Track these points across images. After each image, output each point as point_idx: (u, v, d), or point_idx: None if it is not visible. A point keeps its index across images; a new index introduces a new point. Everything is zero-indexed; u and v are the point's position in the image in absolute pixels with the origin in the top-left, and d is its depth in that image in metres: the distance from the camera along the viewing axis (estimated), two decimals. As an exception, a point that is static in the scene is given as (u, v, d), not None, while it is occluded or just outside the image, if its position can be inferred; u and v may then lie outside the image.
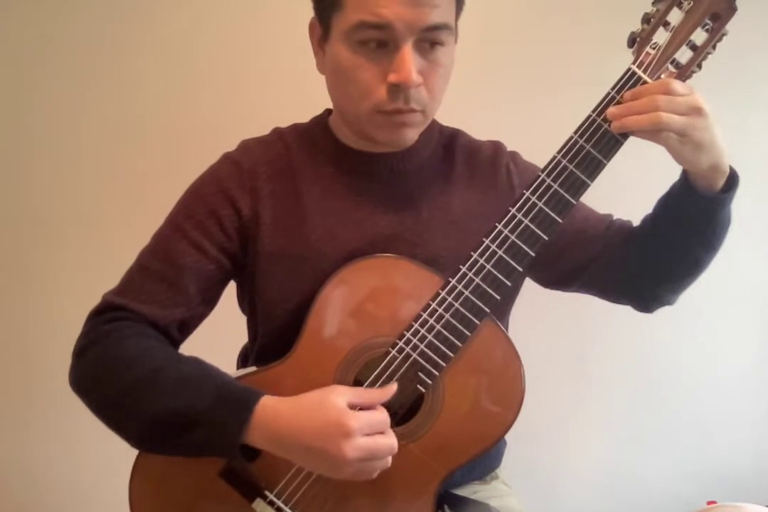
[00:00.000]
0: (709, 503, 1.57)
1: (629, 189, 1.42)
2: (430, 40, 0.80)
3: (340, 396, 0.76)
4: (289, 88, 1.47)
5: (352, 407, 0.76)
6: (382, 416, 0.77)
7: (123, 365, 0.81)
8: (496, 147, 1.01)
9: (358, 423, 0.73)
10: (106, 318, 0.86)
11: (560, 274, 1.01)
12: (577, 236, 0.97)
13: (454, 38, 0.85)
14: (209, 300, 0.92)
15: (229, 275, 0.93)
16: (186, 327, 0.91)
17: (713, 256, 0.92)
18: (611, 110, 0.78)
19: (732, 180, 0.85)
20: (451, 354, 0.81)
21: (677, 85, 0.76)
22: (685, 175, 0.86)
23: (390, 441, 0.76)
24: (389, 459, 0.77)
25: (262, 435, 0.76)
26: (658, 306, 1.01)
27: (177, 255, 0.88)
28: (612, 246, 0.97)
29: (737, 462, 1.77)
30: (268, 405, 0.76)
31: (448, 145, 0.98)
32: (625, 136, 0.79)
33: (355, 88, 0.82)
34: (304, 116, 0.99)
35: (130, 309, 0.86)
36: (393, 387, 0.80)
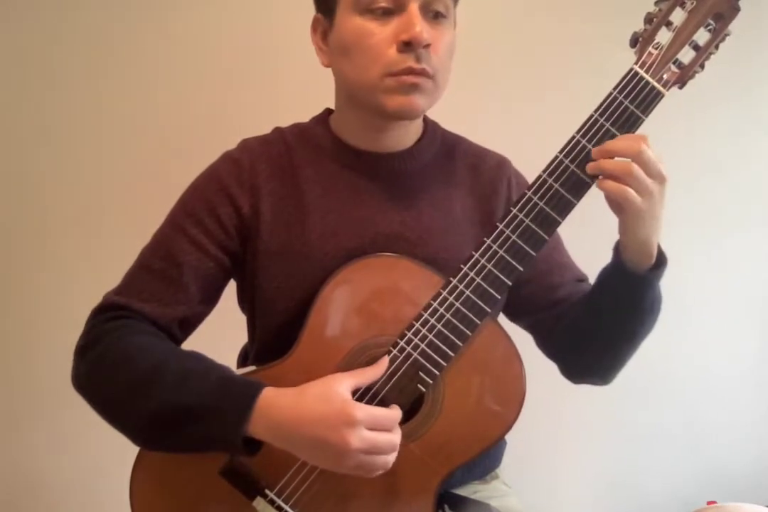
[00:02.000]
0: (709, 503, 1.57)
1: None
2: (433, 9, 0.83)
3: (342, 384, 0.76)
4: (289, 87, 1.47)
5: (356, 391, 0.77)
6: (391, 413, 0.77)
7: (124, 363, 0.81)
8: (502, 159, 1.01)
9: (362, 414, 0.73)
10: (108, 317, 0.86)
11: (513, 304, 0.99)
12: (542, 277, 0.97)
13: (453, 19, 0.87)
14: (210, 299, 0.93)
15: (229, 273, 0.93)
16: (187, 326, 0.91)
17: (632, 347, 0.91)
18: (594, 151, 0.78)
19: (660, 261, 0.84)
20: (451, 353, 0.81)
21: (650, 153, 0.76)
22: (616, 254, 0.86)
23: (390, 437, 0.75)
24: (390, 459, 0.76)
25: (264, 427, 0.75)
26: (583, 382, 0.99)
27: (177, 253, 0.88)
28: (567, 303, 0.96)
29: (737, 462, 1.77)
30: (270, 396, 0.76)
31: (452, 150, 0.99)
32: None
33: (364, 55, 0.83)
34: (305, 116, 0.99)
35: (131, 308, 0.86)
36: (385, 362, 0.80)
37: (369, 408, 0.75)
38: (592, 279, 0.93)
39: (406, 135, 0.94)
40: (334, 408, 0.74)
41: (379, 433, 0.75)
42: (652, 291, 0.86)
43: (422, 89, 0.84)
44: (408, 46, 0.81)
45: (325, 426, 0.73)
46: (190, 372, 0.79)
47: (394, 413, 0.78)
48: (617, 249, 0.86)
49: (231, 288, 0.97)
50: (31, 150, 1.49)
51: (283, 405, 0.76)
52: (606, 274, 0.88)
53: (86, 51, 1.46)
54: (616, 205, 0.79)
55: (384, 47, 0.82)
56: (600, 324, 0.89)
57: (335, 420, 0.73)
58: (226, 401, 0.76)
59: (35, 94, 1.47)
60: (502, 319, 0.95)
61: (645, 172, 0.76)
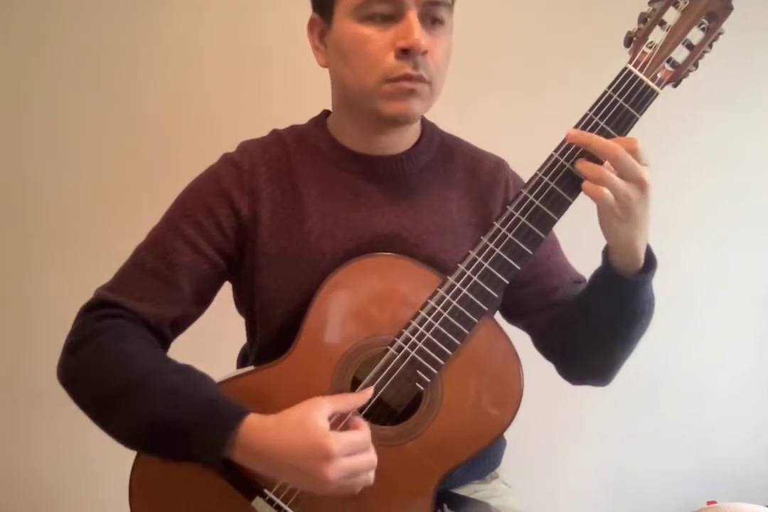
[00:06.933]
0: (709, 503, 1.57)
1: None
2: (431, 15, 0.83)
3: (320, 412, 0.76)
4: (287, 89, 1.47)
5: (332, 416, 0.77)
6: (364, 434, 0.77)
7: (114, 366, 0.81)
8: (500, 161, 1.02)
9: (339, 446, 0.73)
10: (99, 314, 0.85)
11: (511, 305, 0.99)
12: (541, 279, 0.97)
13: (451, 21, 0.87)
14: (203, 300, 0.92)
15: (223, 275, 0.93)
16: (178, 326, 0.91)
17: (626, 348, 0.91)
18: (575, 137, 0.78)
19: (649, 264, 0.84)
20: (449, 352, 0.81)
21: (628, 159, 0.75)
22: (605, 257, 0.85)
23: (369, 457, 0.76)
24: (371, 475, 0.77)
25: (243, 454, 0.76)
26: (581, 383, 0.99)
27: (172, 253, 0.88)
28: (564, 304, 0.96)
29: (737, 463, 1.77)
30: (251, 424, 0.76)
31: (450, 151, 0.99)
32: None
33: (362, 61, 0.84)
34: (302, 117, 0.99)
35: (123, 306, 0.86)
36: (369, 391, 0.81)
37: (344, 437, 0.75)
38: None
39: (404, 137, 0.94)
40: (311, 439, 0.74)
41: (356, 457, 0.75)
42: (643, 294, 0.85)
43: (419, 94, 0.85)
44: (406, 53, 0.82)
45: (303, 457, 0.74)
46: (177, 388, 0.79)
47: (366, 432, 0.78)
48: (606, 252, 0.85)
49: (227, 289, 0.97)
50: (31, 150, 1.49)
51: (263, 435, 0.76)
52: (596, 277, 0.88)
53: (83, 53, 1.46)
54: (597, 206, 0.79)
55: (382, 54, 0.83)
56: (592, 326, 0.89)
57: (313, 453, 0.73)
58: (207, 426, 0.76)
59: (34, 96, 1.47)
60: (499, 320, 0.95)
61: (622, 176, 0.76)
